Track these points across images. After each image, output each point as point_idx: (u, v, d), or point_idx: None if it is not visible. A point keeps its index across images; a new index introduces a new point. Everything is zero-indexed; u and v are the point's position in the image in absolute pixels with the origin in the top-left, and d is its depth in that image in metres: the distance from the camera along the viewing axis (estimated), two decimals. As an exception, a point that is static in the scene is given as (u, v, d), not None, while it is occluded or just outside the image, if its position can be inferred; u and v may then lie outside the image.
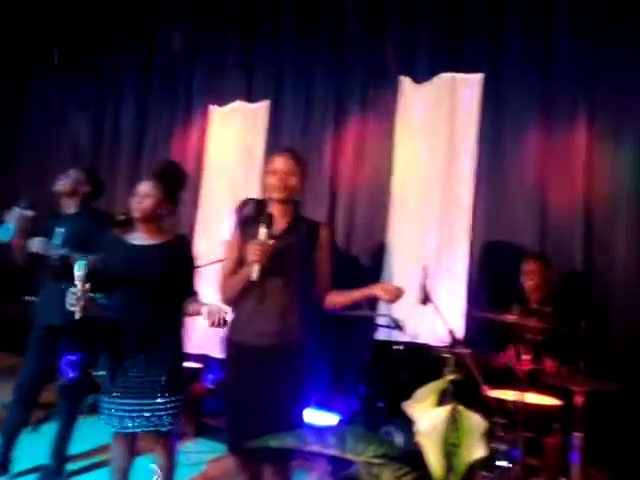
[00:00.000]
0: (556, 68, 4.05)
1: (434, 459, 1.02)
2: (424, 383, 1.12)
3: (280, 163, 2.24)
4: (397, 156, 4.56)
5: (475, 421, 1.05)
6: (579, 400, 2.54)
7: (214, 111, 5.55)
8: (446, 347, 2.49)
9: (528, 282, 3.36)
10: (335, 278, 4.57)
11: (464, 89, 4.36)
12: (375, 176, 4.65)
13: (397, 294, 2.12)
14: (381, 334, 4.14)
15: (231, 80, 5.51)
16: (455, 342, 2.40)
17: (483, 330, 3.68)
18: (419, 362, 2.97)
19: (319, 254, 2.23)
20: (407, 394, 1.12)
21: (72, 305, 2.18)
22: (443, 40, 4.49)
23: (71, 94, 6.62)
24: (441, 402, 1.15)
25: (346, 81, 4.85)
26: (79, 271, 2.23)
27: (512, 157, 4.13)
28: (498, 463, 2.76)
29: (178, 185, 2.69)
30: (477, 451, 1.05)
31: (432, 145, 4.45)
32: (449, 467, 1.07)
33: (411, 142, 4.54)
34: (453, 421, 1.22)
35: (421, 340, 3.51)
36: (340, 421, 3.74)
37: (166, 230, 2.66)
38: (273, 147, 4.94)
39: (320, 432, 1.01)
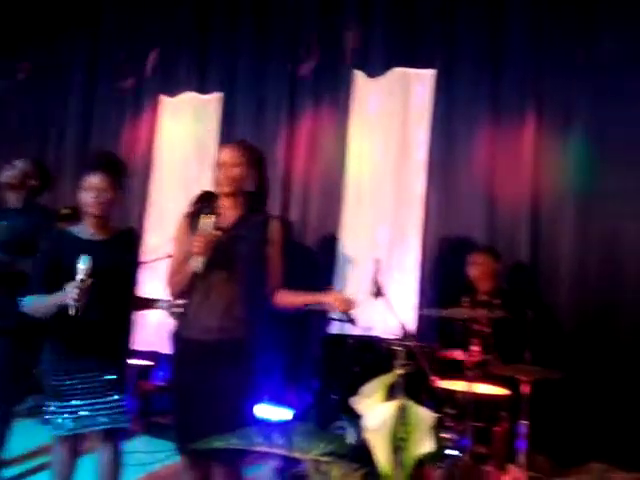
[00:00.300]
0: (506, 65, 4.14)
1: (382, 455, 1.01)
2: (376, 376, 1.11)
3: (225, 155, 2.19)
4: (351, 150, 4.56)
5: (423, 415, 1.05)
6: (525, 389, 2.61)
7: (165, 102, 5.41)
8: (397, 340, 2.51)
9: (474, 272, 3.43)
10: (289, 271, 4.62)
11: (417, 84, 4.40)
12: (329, 169, 4.64)
13: (349, 305, 2.09)
14: (334, 328, 4.15)
15: (183, 71, 5.38)
16: (406, 335, 2.42)
17: (434, 322, 3.74)
18: (371, 355, 2.99)
19: (269, 249, 2.17)
20: (360, 388, 1.11)
21: (74, 300, 2.08)
22: (397, 35, 4.51)
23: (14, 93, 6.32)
24: (391, 396, 1.14)
25: (300, 73, 4.81)
26: (84, 264, 2.14)
27: (463, 152, 4.20)
28: (448, 452, 2.81)
29: (123, 174, 2.60)
30: (425, 445, 1.04)
31: (385, 139, 4.47)
32: (398, 462, 1.07)
33: (365, 136, 4.55)
34: (401, 415, 1.21)
35: (374, 333, 3.53)
36: (294, 416, 3.73)
37: (113, 224, 2.58)
38: (225, 140, 4.87)
39: (267, 431, 0.99)
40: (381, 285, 2.67)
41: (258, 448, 0.95)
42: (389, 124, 4.46)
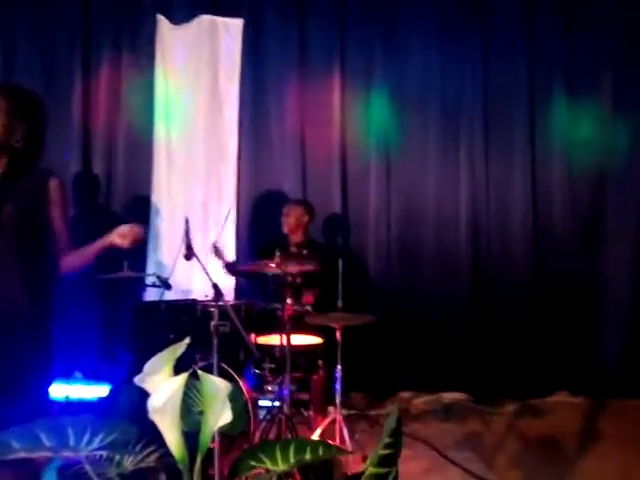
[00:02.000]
0: (312, 19, 4.13)
1: (173, 436, 0.92)
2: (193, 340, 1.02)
3: None
4: (158, 103, 4.21)
5: (218, 385, 0.97)
6: (338, 336, 2.72)
7: None
8: (210, 300, 2.42)
9: (287, 222, 3.47)
10: (94, 236, 4.21)
11: (225, 34, 4.19)
12: (135, 124, 4.24)
13: (134, 234, 1.90)
14: (150, 295, 3.94)
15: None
16: (218, 294, 2.34)
17: (252, 279, 3.73)
18: (185, 319, 2.86)
19: (52, 211, 1.84)
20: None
21: None
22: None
23: None
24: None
25: (96, 15, 4.25)
26: None
27: (275, 107, 4.16)
28: (270, 404, 2.85)
29: None
30: (223, 416, 0.98)
31: (195, 92, 4.21)
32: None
33: (173, 88, 4.23)
34: (197, 388, 1.13)
35: (190, 296, 3.41)
36: (110, 391, 3.48)
37: None
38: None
39: (30, 432, 0.83)
40: (192, 246, 2.52)
41: (17, 455, 0.80)
42: (198, 76, 4.20)
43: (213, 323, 2.43)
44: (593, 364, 3.95)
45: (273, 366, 2.73)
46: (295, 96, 4.10)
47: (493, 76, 4.03)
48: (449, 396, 3.97)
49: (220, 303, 2.34)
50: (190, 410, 1.08)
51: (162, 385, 0.92)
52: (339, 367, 2.75)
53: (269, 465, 1.03)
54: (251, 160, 4.14)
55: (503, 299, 4.04)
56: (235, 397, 0.98)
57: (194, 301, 2.97)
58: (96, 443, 0.85)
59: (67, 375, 4.04)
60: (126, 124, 4.25)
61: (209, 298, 2.49)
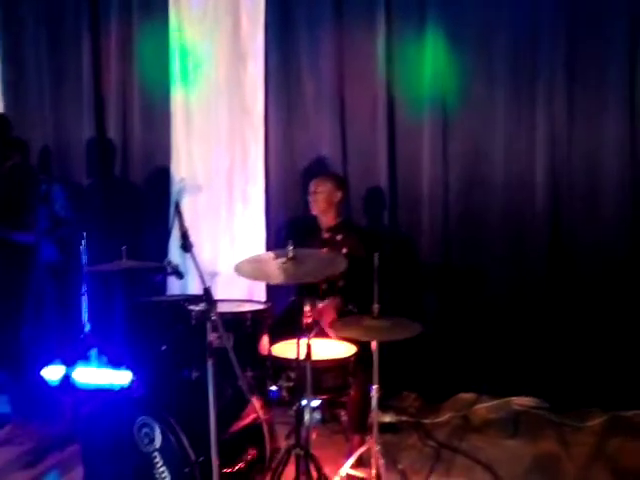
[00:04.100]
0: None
1: None
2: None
3: None
4: (175, 60, 3.72)
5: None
6: (374, 347, 2.14)
7: None
8: (202, 310, 1.89)
9: (315, 201, 2.87)
10: (110, 213, 3.82)
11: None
12: (150, 86, 3.79)
13: None
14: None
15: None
16: (210, 302, 1.80)
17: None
18: (182, 328, 2.34)
19: None
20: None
21: None
22: None
23: None
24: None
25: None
26: None
27: (307, 56, 3.52)
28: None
29: None
30: None
31: (215, 44, 3.71)
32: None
33: (189, 39, 3.73)
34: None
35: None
36: (133, 379, 3.08)
37: None
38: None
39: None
40: (187, 234, 1.98)
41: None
42: (218, 25, 3.66)
43: (208, 338, 1.92)
44: None
45: (290, 385, 2.17)
46: (331, 42, 3.43)
47: (580, 4, 3.17)
48: (520, 402, 3.34)
49: (212, 313, 1.80)
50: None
51: None
52: (374, 387, 2.16)
53: None
54: (280, 121, 3.55)
55: (589, 286, 3.28)
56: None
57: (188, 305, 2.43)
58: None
59: (91, 358, 3.75)
60: (139, 82, 3.80)
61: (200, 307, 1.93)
